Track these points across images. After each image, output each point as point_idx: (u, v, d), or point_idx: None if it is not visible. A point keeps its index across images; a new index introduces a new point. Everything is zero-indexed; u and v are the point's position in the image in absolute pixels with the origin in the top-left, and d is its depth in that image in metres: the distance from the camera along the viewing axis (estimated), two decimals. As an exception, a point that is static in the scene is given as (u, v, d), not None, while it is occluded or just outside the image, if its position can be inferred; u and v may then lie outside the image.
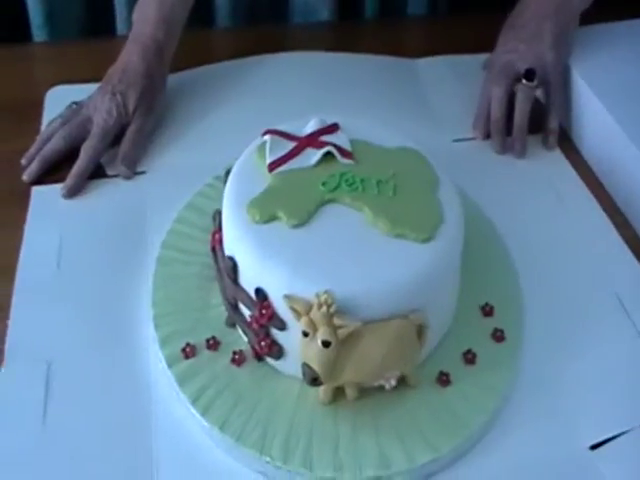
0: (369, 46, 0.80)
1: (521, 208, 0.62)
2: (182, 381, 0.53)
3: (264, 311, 0.49)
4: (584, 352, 0.55)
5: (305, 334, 0.47)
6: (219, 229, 0.53)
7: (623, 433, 0.52)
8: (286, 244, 0.49)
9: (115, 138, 0.68)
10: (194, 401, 0.52)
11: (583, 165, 0.69)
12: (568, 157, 0.70)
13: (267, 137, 0.52)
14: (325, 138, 0.52)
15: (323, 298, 0.46)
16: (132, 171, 0.67)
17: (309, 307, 0.47)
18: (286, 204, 0.50)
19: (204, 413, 0.51)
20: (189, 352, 0.54)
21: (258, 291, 0.49)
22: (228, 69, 0.76)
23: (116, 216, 0.65)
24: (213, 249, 0.55)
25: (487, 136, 0.69)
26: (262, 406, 0.52)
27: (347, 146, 0.52)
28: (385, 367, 0.49)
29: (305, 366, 0.48)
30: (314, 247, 0.49)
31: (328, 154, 0.52)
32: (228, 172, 0.55)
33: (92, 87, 0.70)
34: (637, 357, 0.56)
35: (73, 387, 0.54)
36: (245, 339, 0.54)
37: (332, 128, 0.53)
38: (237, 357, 0.54)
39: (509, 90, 0.67)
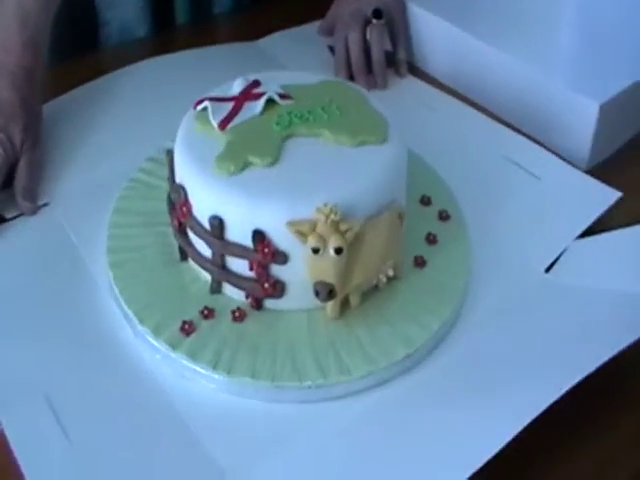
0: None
1: (407, 124, 0.68)
2: (194, 355, 0.54)
3: (266, 250, 0.52)
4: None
5: (315, 251, 0.51)
6: (185, 201, 0.55)
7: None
8: (270, 181, 0.53)
9: (6, 178, 0.66)
10: (214, 367, 0.53)
11: (434, 82, 0.80)
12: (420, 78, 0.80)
13: (206, 103, 0.55)
14: (258, 90, 0.57)
15: (328, 209, 0.50)
16: (35, 205, 0.66)
17: (314, 224, 0.51)
18: (253, 149, 0.54)
19: (229, 372, 0.53)
20: (188, 329, 0.55)
21: (256, 233, 0.52)
22: (86, 92, 0.77)
23: (40, 252, 0.63)
24: (180, 225, 0.57)
25: (350, 78, 0.77)
26: (281, 345, 0.55)
27: (280, 91, 0.57)
28: (384, 259, 0.55)
29: (318, 284, 0.52)
30: (295, 175, 0.53)
31: (268, 102, 0.56)
32: (169, 151, 0.58)
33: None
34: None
35: (82, 410, 0.53)
36: (237, 297, 0.57)
37: (257, 83, 0.58)
38: (237, 314, 0.56)
39: (363, 33, 0.76)
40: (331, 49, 0.82)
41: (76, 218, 0.65)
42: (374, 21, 0.76)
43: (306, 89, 0.59)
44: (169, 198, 0.60)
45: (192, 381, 0.54)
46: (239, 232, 0.53)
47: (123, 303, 0.57)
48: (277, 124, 0.55)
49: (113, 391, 0.54)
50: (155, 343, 0.55)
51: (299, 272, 0.53)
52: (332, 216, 0.50)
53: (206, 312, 0.56)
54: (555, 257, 0.63)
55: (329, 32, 0.82)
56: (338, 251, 0.51)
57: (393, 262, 0.56)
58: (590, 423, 0.54)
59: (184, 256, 0.60)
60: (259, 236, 0.52)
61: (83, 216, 0.65)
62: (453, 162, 0.69)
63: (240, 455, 0.51)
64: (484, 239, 0.63)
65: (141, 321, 0.56)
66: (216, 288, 0.58)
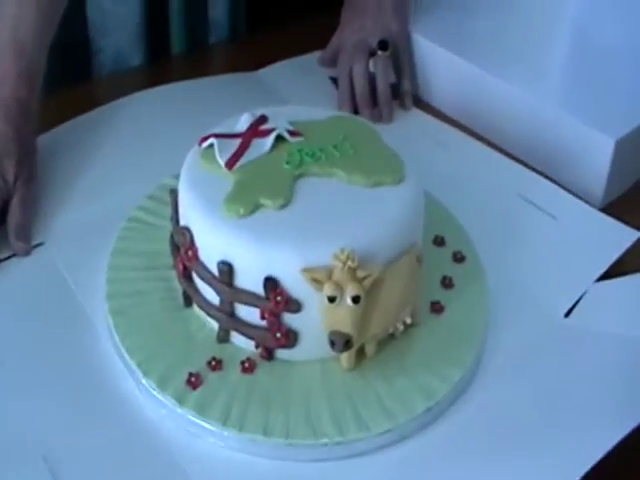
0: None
1: (415, 159, 0.64)
2: (202, 410, 0.51)
3: (279, 298, 0.49)
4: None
5: (331, 299, 0.48)
6: (191, 245, 0.52)
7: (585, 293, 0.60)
8: (282, 225, 0.49)
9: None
10: (224, 423, 0.50)
11: (439, 114, 0.78)
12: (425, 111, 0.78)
13: (212, 140, 0.52)
14: (266, 127, 0.54)
15: (345, 255, 0.47)
16: (29, 245, 0.62)
17: (329, 271, 0.48)
18: (263, 190, 0.51)
19: (240, 429, 0.50)
20: (195, 381, 0.52)
21: (268, 280, 0.49)
22: (81, 124, 0.73)
23: (34, 297, 0.59)
24: (184, 269, 0.54)
25: (354, 111, 0.74)
26: (294, 399, 0.51)
27: (289, 127, 0.54)
28: (403, 306, 0.52)
29: (334, 334, 0.49)
30: (309, 218, 0.50)
31: (277, 139, 0.53)
32: (173, 190, 0.55)
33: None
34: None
35: (82, 472, 0.49)
36: (246, 346, 0.53)
37: (264, 118, 0.55)
38: (247, 365, 0.53)
39: (367, 65, 0.73)
40: (333, 80, 0.79)
41: (72, 259, 0.62)
42: (379, 53, 0.74)
43: (316, 125, 0.56)
44: (172, 240, 0.57)
45: (200, 438, 0.51)
46: (250, 278, 0.50)
47: (125, 353, 0.54)
48: (287, 163, 0.52)
49: (115, 450, 0.50)
50: (160, 397, 0.52)
51: (313, 321, 0.50)
52: (349, 263, 0.47)
53: (214, 363, 0.53)
54: (574, 301, 0.60)
55: (331, 63, 0.80)
56: (356, 300, 0.48)
57: (411, 308, 0.53)
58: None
59: (188, 302, 0.56)
60: (271, 283, 0.49)
61: (80, 257, 0.62)
62: (465, 200, 0.66)
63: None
64: (500, 281, 0.60)
65: (145, 373, 0.52)
66: (224, 337, 0.54)
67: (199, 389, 0.52)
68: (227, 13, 0.92)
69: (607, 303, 0.60)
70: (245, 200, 0.50)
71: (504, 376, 0.55)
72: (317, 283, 0.48)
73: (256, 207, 0.50)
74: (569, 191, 0.69)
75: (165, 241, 0.59)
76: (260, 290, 0.50)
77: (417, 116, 0.77)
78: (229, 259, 0.50)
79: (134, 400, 0.53)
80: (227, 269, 0.50)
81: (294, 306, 0.50)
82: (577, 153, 0.68)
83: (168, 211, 0.61)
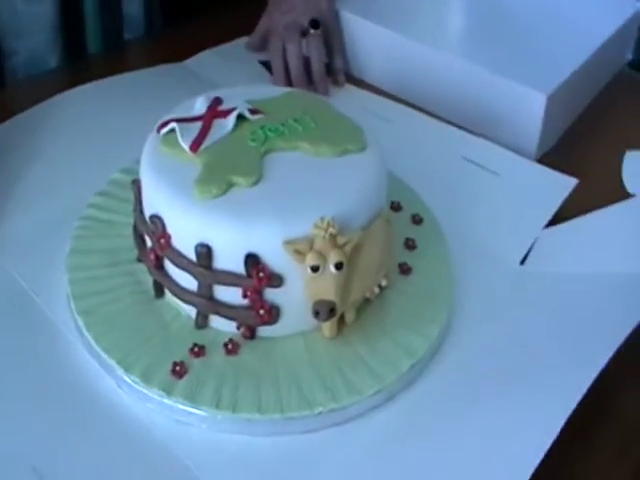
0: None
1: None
2: (193, 397, 0.50)
3: (261, 274, 0.49)
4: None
5: (315, 269, 0.48)
6: (163, 233, 0.51)
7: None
8: (259, 200, 0.49)
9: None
10: (217, 406, 0.50)
11: (372, 89, 0.79)
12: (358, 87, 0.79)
13: (173, 125, 0.51)
14: (224, 107, 0.53)
15: (325, 223, 0.48)
16: None
17: (310, 241, 0.48)
18: (233, 169, 0.50)
19: (234, 410, 0.50)
20: (180, 370, 0.51)
21: (249, 257, 0.49)
22: (14, 125, 0.70)
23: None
24: (156, 258, 0.53)
25: None
26: (283, 374, 0.51)
27: (248, 106, 0.54)
28: (379, 269, 0.53)
29: (318, 304, 0.50)
30: (283, 192, 0.50)
31: (237, 118, 0.53)
32: (135, 180, 0.54)
33: None
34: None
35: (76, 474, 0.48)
36: (226, 329, 0.53)
37: (219, 100, 0.54)
38: (230, 346, 0.53)
39: (301, 45, 0.74)
40: (263, 64, 0.80)
41: (26, 265, 0.59)
42: (312, 31, 0.74)
43: (273, 102, 0.56)
44: (136, 232, 0.56)
45: (191, 426, 0.50)
46: (229, 258, 0.49)
47: (102, 353, 0.52)
48: (252, 140, 0.52)
49: (106, 451, 0.49)
50: (145, 391, 0.51)
51: (294, 294, 0.51)
52: (331, 229, 0.48)
53: (196, 349, 0.52)
54: (527, 249, 0.63)
55: (260, 47, 0.80)
56: (339, 266, 0.49)
57: (385, 271, 0.55)
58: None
59: (160, 293, 0.55)
60: (252, 260, 0.49)
61: (34, 262, 0.59)
62: (413, 167, 0.67)
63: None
64: (457, 238, 0.62)
65: (127, 370, 0.51)
66: (202, 322, 0.54)
67: (185, 377, 0.51)
68: (142, 8, 0.90)
69: (556, 246, 0.63)
70: (217, 180, 0.50)
71: (476, 327, 0.57)
72: (299, 255, 0.49)
73: (228, 186, 0.50)
74: (507, 148, 0.71)
75: (123, 237, 0.58)
76: (241, 269, 0.50)
77: (351, 92, 0.79)
78: (207, 241, 0.49)
79: (116, 399, 0.52)
80: (206, 251, 0.49)
81: (276, 281, 0.50)
82: (511, 111, 0.71)
83: (121, 206, 0.61)
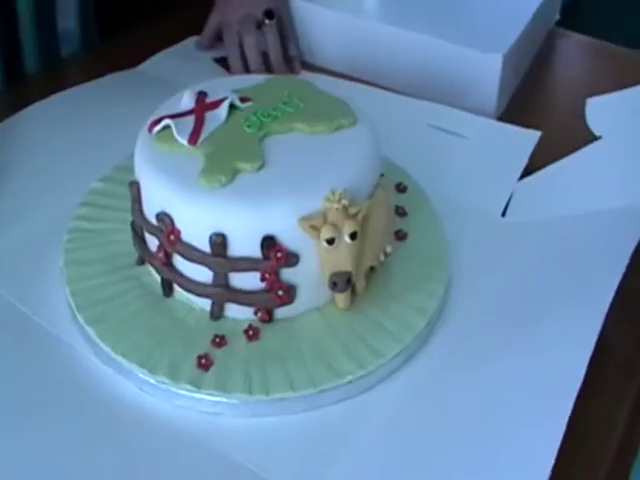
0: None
1: None
2: (224, 387, 0.50)
3: (279, 254, 0.50)
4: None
5: (330, 242, 0.50)
6: (172, 229, 0.51)
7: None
8: (268, 183, 0.50)
9: None
10: (249, 390, 0.50)
11: (327, 72, 0.80)
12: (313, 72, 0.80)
13: (167, 121, 0.52)
14: (214, 99, 0.54)
15: (337, 195, 0.49)
16: None
17: (324, 215, 0.49)
18: (237, 156, 0.51)
19: (268, 392, 0.50)
20: (206, 362, 0.52)
21: (265, 240, 0.50)
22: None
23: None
24: (166, 256, 0.52)
25: None
26: (307, 350, 0.52)
27: (237, 95, 0.55)
28: (385, 236, 0.55)
29: (335, 275, 0.51)
30: (289, 172, 0.51)
31: (229, 108, 0.54)
32: (133, 182, 0.54)
33: None
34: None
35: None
36: (243, 315, 0.54)
37: (204, 94, 0.55)
38: (251, 332, 0.53)
39: (258, 37, 0.75)
40: (217, 61, 0.80)
41: (16, 282, 0.58)
42: (267, 22, 0.75)
43: (258, 89, 0.57)
44: (136, 234, 0.56)
45: (222, 416, 0.51)
46: (246, 244, 0.50)
47: (121, 358, 0.52)
48: (249, 127, 0.53)
49: (139, 456, 0.49)
50: (173, 389, 0.51)
51: (310, 270, 0.52)
52: (343, 201, 0.49)
53: (218, 340, 0.53)
54: (506, 202, 0.66)
55: (212, 44, 0.81)
56: (353, 236, 0.50)
57: (389, 238, 0.56)
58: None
59: (169, 291, 0.55)
60: (269, 242, 0.50)
61: (24, 279, 0.58)
62: (385, 141, 0.68)
63: (304, 475, 0.48)
64: (440, 202, 0.64)
65: (151, 371, 0.51)
66: (218, 313, 0.54)
67: (212, 369, 0.51)
68: (78, 23, 0.88)
69: (534, 196, 0.66)
70: (222, 168, 0.50)
71: (475, 280, 0.59)
72: (314, 230, 0.50)
73: (235, 173, 0.51)
74: (468, 111, 0.74)
75: (116, 243, 0.58)
76: (257, 253, 0.50)
77: (309, 78, 0.78)
78: (221, 230, 0.50)
79: (141, 402, 0.51)
80: (221, 240, 0.50)
81: (293, 259, 0.51)
82: (467, 75, 0.74)
83: (107, 214, 0.61)
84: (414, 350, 0.54)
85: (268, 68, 0.77)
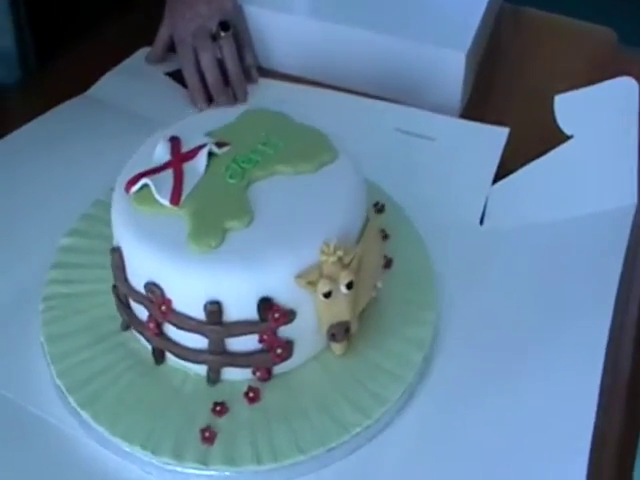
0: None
1: None
2: (232, 461, 0.48)
3: (277, 314, 0.48)
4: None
5: (327, 295, 0.48)
6: (163, 299, 0.48)
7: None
8: (260, 240, 0.48)
9: None
10: (258, 460, 0.48)
11: (286, 78, 0.77)
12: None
13: (145, 180, 0.48)
14: (189, 148, 0.51)
15: (331, 247, 0.47)
16: None
17: (319, 268, 0.47)
18: (223, 214, 0.48)
19: (276, 460, 0.48)
20: (210, 436, 0.49)
21: (262, 301, 0.47)
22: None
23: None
24: (157, 326, 0.49)
25: (210, 101, 0.72)
26: (310, 405, 0.50)
27: (211, 140, 0.51)
28: (377, 270, 0.53)
29: (333, 327, 0.50)
30: (279, 224, 0.49)
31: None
32: (115, 249, 0.50)
33: None
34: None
35: None
36: (241, 377, 0.51)
37: (177, 140, 0.51)
38: (252, 394, 0.51)
39: (214, 51, 0.70)
40: (170, 74, 0.75)
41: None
42: (222, 34, 0.71)
43: (232, 129, 0.54)
44: (120, 301, 0.52)
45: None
46: (242, 308, 0.48)
47: (121, 441, 0.49)
48: (231, 177, 0.50)
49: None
50: (179, 469, 0.48)
51: (306, 324, 0.50)
52: (338, 252, 0.47)
53: (218, 408, 0.50)
54: (482, 208, 0.65)
55: (163, 58, 0.76)
56: (349, 286, 0.48)
57: (380, 274, 0.55)
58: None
59: (160, 359, 0.52)
60: (266, 304, 0.47)
61: (3, 359, 0.53)
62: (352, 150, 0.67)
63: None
64: (419, 217, 0.62)
65: (155, 452, 0.48)
66: (215, 377, 0.51)
67: (217, 441, 0.49)
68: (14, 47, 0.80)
69: (508, 201, 0.65)
70: (211, 230, 0.47)
71: (465, 302, 0.58)
72: (311, 285, 0.48)
73: (224, 233, 0.48)
74: (431, 110, 0.72)
75: (97, 307, 0.55)
76: (254, 315, 0.48)
77: (267, 86, 0.76)
78: (217, 296, 0.47)
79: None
80: (216, 308, 0.47)
81: (290, 317, 0.49)
82: (430, 74, 0.72)
83: (81, 274, 0.57)
84: (414, 386, 0.53)
85: (225, 80, 0.73)
